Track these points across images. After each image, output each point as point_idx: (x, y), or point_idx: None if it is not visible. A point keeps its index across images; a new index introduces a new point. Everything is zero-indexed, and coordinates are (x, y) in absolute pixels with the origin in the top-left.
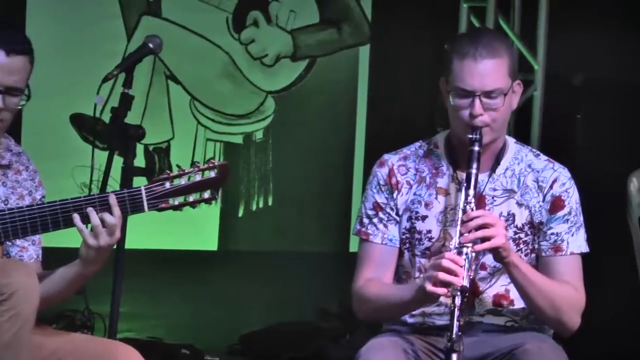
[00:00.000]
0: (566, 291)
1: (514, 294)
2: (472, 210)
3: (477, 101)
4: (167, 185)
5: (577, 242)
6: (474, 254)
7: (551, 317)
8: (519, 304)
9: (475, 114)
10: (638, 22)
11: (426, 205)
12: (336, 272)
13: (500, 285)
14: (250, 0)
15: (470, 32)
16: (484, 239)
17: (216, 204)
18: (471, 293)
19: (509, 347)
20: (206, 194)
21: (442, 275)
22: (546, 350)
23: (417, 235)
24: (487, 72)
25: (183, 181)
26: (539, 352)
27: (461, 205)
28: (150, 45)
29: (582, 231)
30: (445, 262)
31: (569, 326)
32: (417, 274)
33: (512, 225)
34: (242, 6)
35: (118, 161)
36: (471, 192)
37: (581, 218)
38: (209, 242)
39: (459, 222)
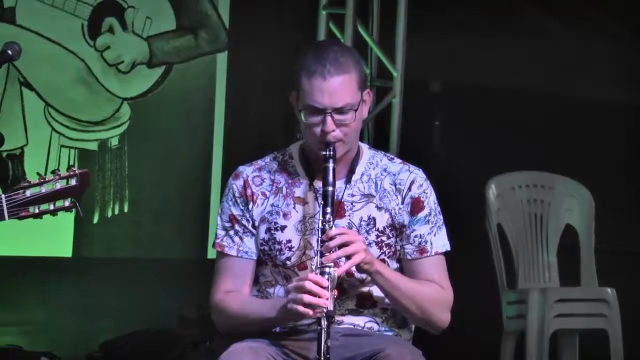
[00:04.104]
0: (432, 291)
1: (377, 295)
2: (331, 228)
3: (328, 118)
4: (28, 193)
5: (440, 241)
6: (336, 274)
7: (419, 318)
8: (382, 305)
9: (327, 131)
10: (496, 28)
11: (284, 215)
12: (194, 278)
13: (364, 287)
14: (105, 7)
15: (315, 48)
16: (345, 257)
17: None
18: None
19: (369, 352)
20: (67, 202)
21: (307, 298)
22: (406, 355)
23: (277, 246)
24: (336, 89)
25: (44, 189)
26: (399, 357)
27: (319, 225)
28: (10, 52)
29: (444, 230)
30: (309, 285)
31: (439, 325)
32: (282, 282)
33: (374, 229)
34: (98, 13)
35: None
36: (328, 209)
37: (441, 217)
38: (64, 249)
39: (319, 242)
